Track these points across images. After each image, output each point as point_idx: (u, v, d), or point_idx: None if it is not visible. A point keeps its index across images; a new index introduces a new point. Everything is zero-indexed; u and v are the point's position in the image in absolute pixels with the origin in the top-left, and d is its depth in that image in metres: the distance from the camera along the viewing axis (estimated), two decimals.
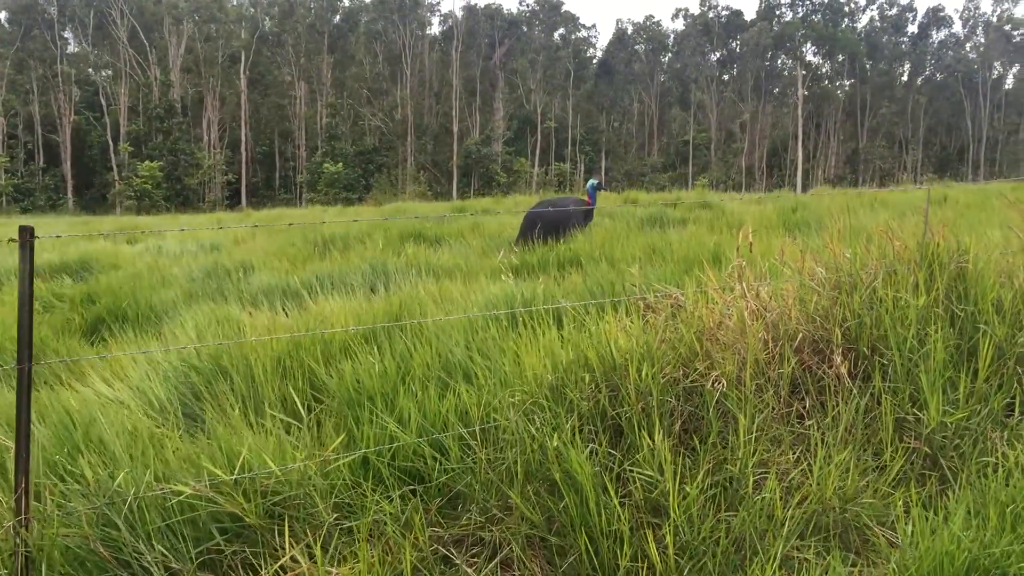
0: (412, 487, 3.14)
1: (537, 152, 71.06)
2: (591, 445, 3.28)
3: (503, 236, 10.70)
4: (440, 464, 3.17)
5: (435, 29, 77.99)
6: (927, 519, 2.94)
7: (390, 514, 2.93)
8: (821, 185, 75.06)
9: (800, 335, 4.20)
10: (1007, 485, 3.23)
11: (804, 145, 78.51)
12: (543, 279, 5.79)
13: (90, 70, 73.64)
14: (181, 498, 2.78)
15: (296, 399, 3.67)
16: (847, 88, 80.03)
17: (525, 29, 73.68)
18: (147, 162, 62.47)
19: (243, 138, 72.50)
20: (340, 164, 64.18)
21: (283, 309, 6.19)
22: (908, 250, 4.83)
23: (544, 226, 10.97)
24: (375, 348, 4.11)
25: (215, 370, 4.14)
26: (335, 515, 2.98)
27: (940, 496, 3.44)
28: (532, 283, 5.63)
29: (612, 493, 2.94)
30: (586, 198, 12.19)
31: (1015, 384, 4.06)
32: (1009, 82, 76.36)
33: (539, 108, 70.91)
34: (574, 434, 3.23)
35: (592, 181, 12.32)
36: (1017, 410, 4.00)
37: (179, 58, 74.77)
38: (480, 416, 3.42)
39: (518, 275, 7.03)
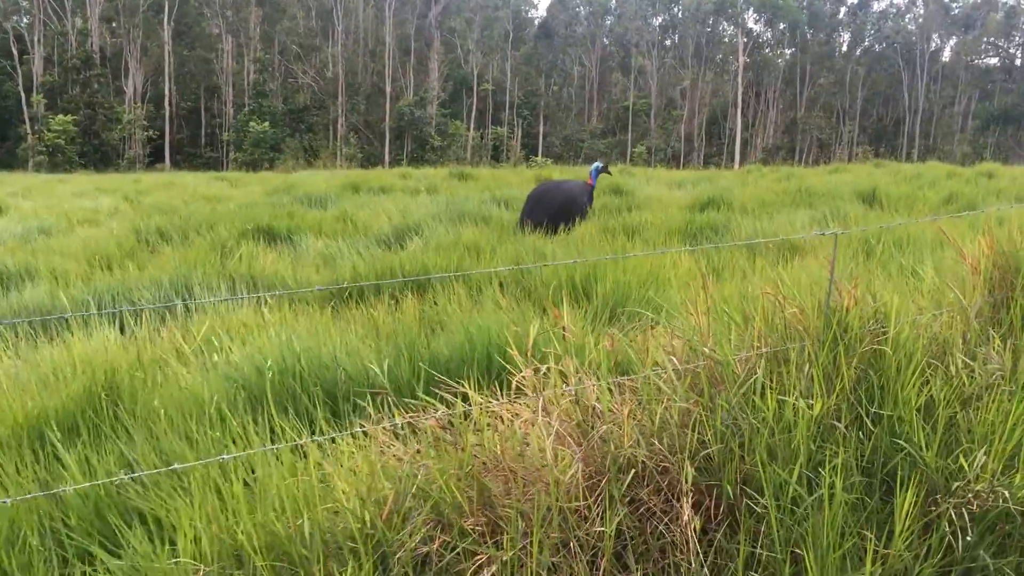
0: None
1: (473, 115, 69.09)
2: None
3: (370, 231, 9.19)
4: None
5: None
6: None
7: None
8: (759, 156, 74.68)
9: (639, 463, 2.84)
10: None
11: (744, 114, 77.90)
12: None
13: None
14: None
15: None
16: (787, 57, 79.40)
17: None
18: (60, 116, 59.03)
19: (167, 93, 69.08)
20: (267, 123, 61.42)
21: None
22: (806, 317, 3.49)
23: (550, 213, 10.28)
24: None
25: None
26: None
27: None
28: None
29: None
30: (588, 179, 11.59)
31: (954, 546, 2.77)
32: (946, 55, 76.46)
33: (476, 70, 68.84)
34: None
35: (597, 164, 11.76)
36: None
37: (98, 5, 70.74)
38: None
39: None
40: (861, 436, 3.16)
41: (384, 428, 2.60)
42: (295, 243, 8.63)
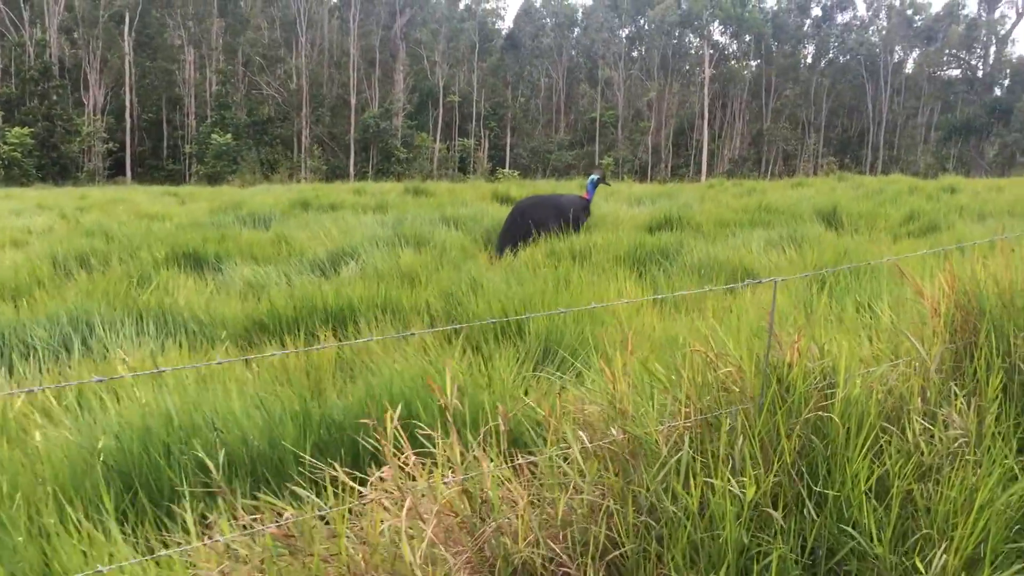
0: None
1: (439, 127, 68.62)
2: None
3: (306, 255, 8.66)
4: None
5: None
6: None
7: None
8: (726, 167, 74.85)
9: (536, 566, 2.36)
10: None
11: (710, 125, 78.09)
12: None
13: None
14: None
15: None
16: (753, 69, 79.80)
17: None
18: (17, 128, 57.77)
19: (128, 104, 67.90)
20: (229, 135, 60.48)
21: None
22: (742, 376, 3.05)
23: (530, 226, 10.12)
24: None
25: None
26: None
27: None
28: None
29: None
30: (584, 193, 11.42)
31: None
32: (909, 67, 77.19)
33: (442, 81, 68.40)
34: None
35: (593, 176, 11.61)
36: None
37: (57, 16, 69.47)
38: None
39: None
40: (804, 520, 2.72)
41: (208, 543, 2.10)
42: (223, 269, 8.09)
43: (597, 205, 13.03)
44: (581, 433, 2.59)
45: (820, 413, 2.88)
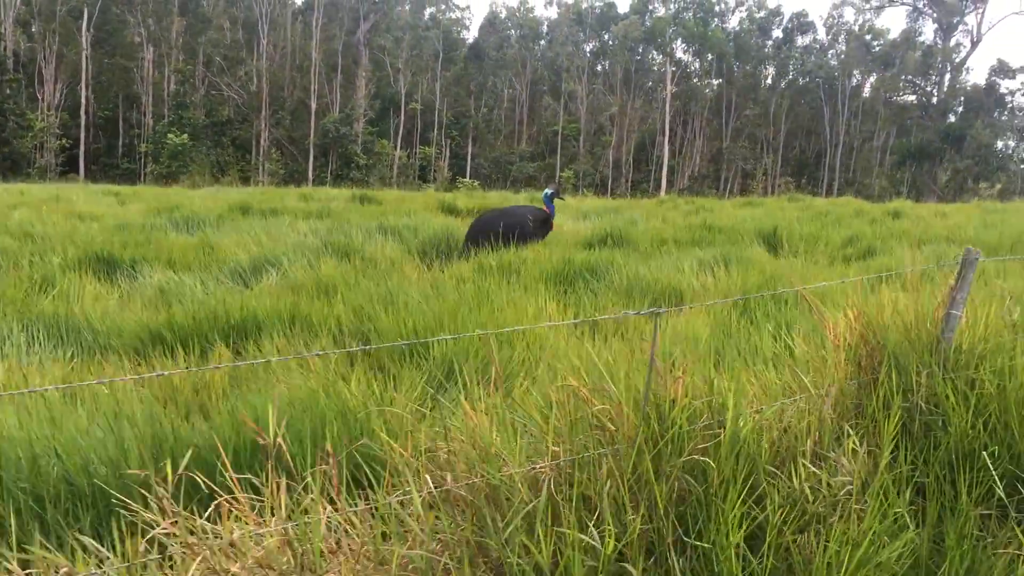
0: None
1: (400, 134, 68.24)
2: None
3: (228, 262, 8.35)
4: None
5: None
6: None
7: None
8: (686, 184, 75.36)
9: None
10: None
11: (671, 141, 78.60)
12: None
13: None
14: None
15: None
16: (714, 88, 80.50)
17: (391, 4, 70.45)
18: None
19: (84, 101, 66.60)
20: (185, 135, 59.51)
21: None
22: (622, 416, 2.85)
23: (493, 233, 10.44)
24: None
25: None
26: None
27: None
28: None
29: None
30: (543, 207, 11.67)
31: None
32: (867, 91, 78.27)
33: (404, 88, 68.06)
34: None
35: (547, 190, 11.88)
36: None
37: (14, 9, 68.02)
38: None
39: None
40: (673, 574, 2.52)
41: None
42: (136, 275, 7.75)
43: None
44: (428, 476, 2.36)
45: (696, 457, 2.69)
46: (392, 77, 70.15)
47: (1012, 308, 4.59)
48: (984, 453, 3.30)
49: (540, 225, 11.39)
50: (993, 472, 3.21)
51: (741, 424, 2.95)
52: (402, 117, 67.98)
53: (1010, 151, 72.81)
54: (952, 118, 71.12)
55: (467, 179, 67.15)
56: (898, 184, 73.32)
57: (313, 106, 63.14)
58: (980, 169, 66.80)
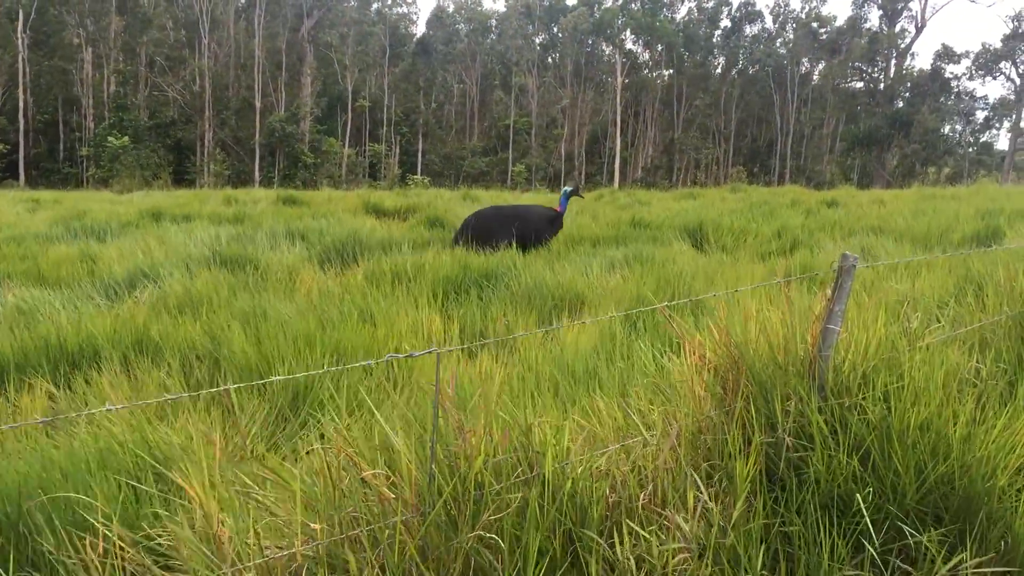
0: None
1: (348, 132, 67.25)
2: None
3: (106, 275, 7.70)
4: None
5: None
6: None
7: None
8: (639, 175, 75.27)
9: None
10: None
11: (623, 133, 78.47)
12: None
13: None
14: None
15: None
16: (665, 78, 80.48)
17: (336, 0, 69.31)
18: None
19: (22, 104, 64.69)
20: (126, 137, 57.99)
21: None
22: (400, 479, 2.33)
23: (490, 233, 10.17)
24: None
25: None
26: None
27: None
28: None
29: None
30: (557, 206, 11.03)
31: None
32: (815, 78, 78.68)
33: (351, 85, 67.04)
34: None
35: (566, 187, 11.18)
36: None
37: None
38: None
39: None
40: None
41: None
42: None
43: (457, 218, 12.34)
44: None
45: (484, 533, 2.18)
46: (339, 74, 69.04)
47: (910, 315, 4.16)
48: (861, 495, 2.84)
49: (547, 224, 10.74)
50: (867, 518, 2.76)
51: (565, 475, 2.46)
52: (350, 114, 67.00)
53: (957, 135, 73.71)
54: (900, 104, 71.76)
55: (418, 176, 66.35)
56: (848, 170, 73.90)
57: (258, 105, 61.94)
58: (927, 154, 67.52)
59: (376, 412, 2.37)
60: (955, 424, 3.22)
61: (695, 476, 2.66)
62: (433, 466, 2.26)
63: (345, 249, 9.49)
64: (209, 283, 6.73)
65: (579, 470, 2.54)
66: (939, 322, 4.35)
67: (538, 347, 4.77)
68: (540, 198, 21.74)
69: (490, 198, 19.90)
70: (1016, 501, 3.03)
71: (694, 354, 3.23)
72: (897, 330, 4.16)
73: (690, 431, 2.95)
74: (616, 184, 72.55)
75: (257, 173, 61.37)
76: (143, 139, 60.77)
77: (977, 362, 3.90)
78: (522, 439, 2.52)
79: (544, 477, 2.42)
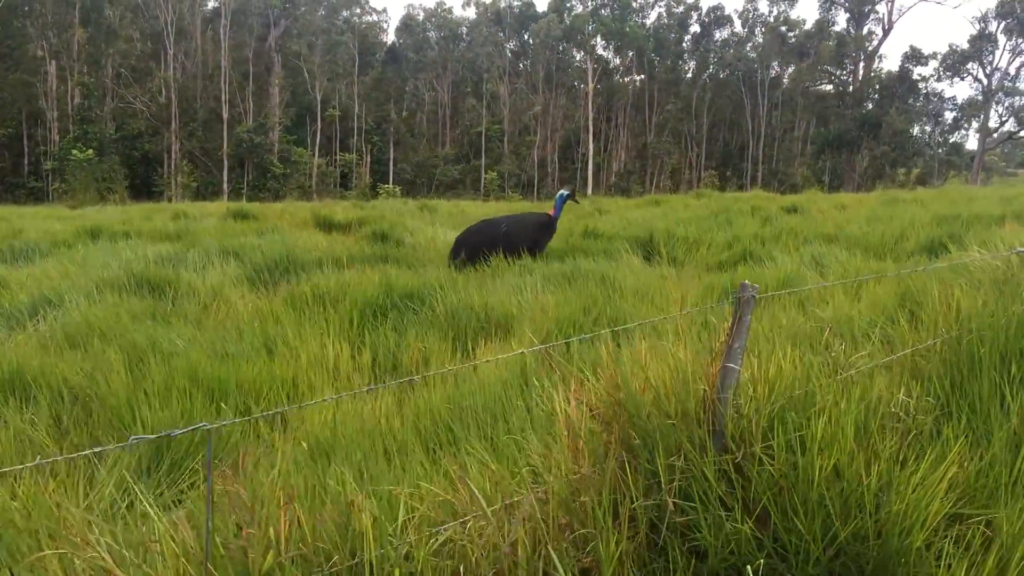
0: None
1: (318, 142, 66.63)
2: None
3: (6, 303, 7.23)
4: None
5: (209, 4, 71.48)
6: None
7: None
8: (612, 181, 75.13)
9: None
10: None
11: (596, 139, 78.33)
12: None
13: None
14: None
15: None
16: (637, 83, 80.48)
17: (303, 9, 68.68)
18: None
19: None
20: (91, 150, 57.03)
21: None
22: None
23: (477, 244, 10.13)
24: None
25: None
26: None
27: None
28: None
29: None
30: (551, 211, 10.89)
31: None
32: (785, 81, 78.86)
33: (319, 94, 66.44)
34: None
35: (562, 191, 11.11)
36: None
37: None
38: None
39: None
40: None
41: None
42: None
43: (407, 231, 11.93)
44: None
45: None
46: (308, 83, 68.39)
47: (832, 343, 3.80)
48: (752, 566, 2.47)
49: (542, 231, 10.66)
50: None
51: (391, 561, 2.07)
52: (319, 124, 66.38)
53: (926, 136, 74.05)
54: (869, 106, 72.05)
55: (389, 185, 65.80)
56: (820, 173, 74.06)
57: (225, 116, 61.20)
58: (897, 155, 67.81)
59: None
60: (873, 470, 2.86)
61: (555, 557, 2.27)
62: (209, 566, 1.86)
63: (278, 268, 9.06)
64: (110, 311, 6.29)
65: (420, 552, 2.15)
66: (869, 347, 4.00)
67: (439, 385, 4.38)
68: (504, 208, 21.36)
69: (448, 209, 19.47)
70: (936, 565, 2.67)
71: (583, 401, 2.86)
72: (819, 360, 3.80)
73: (563, 494, 2.57)
74: (589, 190, 72.29)
75: (226, 185, 60.61)
76: (108, 152, 59.82)
77: (904, 394, 3.55)
78: (342, 519, 2.13)
79: (369, 563, 2.04)
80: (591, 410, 2.84)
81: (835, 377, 3.51)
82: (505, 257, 9.62)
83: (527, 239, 10.31)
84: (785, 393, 3.04)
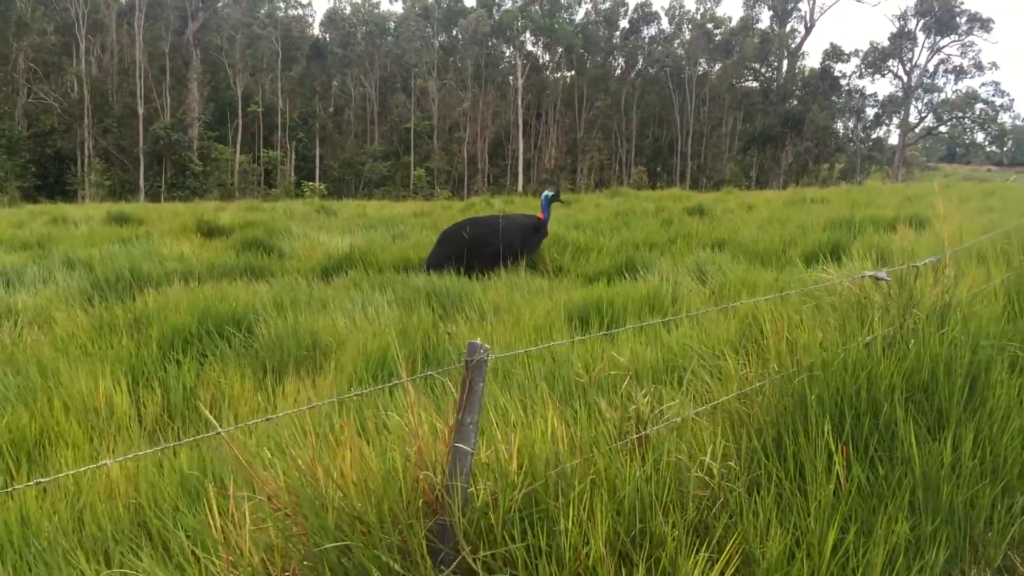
0: None
1: (240, 138, 64.86)
2: None
3: None
4: None
5: None
6: None
7: None
8: (543, 177, 74.79)
9: None
10: None
11: (526, 135, 77.92)
12: None
13: None
14: None
15: None
16: (567, 80, 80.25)
17: (221, 3, 66.79)
18: None
19: None
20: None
21: None
22: None
23: (472, 251, 9.66)
24: None
25: None
26: None
27: None
28: None
29: None
30: (539, 214, 10.48)
31: None
32: (712, 78, 79.40)
33: (241, 90, 64.66)
34: None
35: (547, 192, 10.79)
36: None
37: None
38: None
39: None
40: None
41: None
42: None
43: (288, 239, 11.18)
44: None
45: None
46: (230, 79, 66.47)
47: (634, 392, 3.23)
48: None
49: (531, 234, 10.18)
50: None
51: None
52: (240, 120, 64.58)
53: (849, 132, 75.26)
54: (793, 102, 72.94)
55: (315, 183, 64.39)
56: (747, 168, 74.81)
57: (141, 112, 59.12)
58: (820, 151, 68.82)
59: None
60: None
61: None
62: None
63: (120, 283, 8.25)
64: None
65: None
66: (679, 396, 3.45)
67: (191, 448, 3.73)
68: (427, 208, 20.62)
69: (353, 211, 18.63)
70: None
71: (259, 499, 2.24)
72: (619, 415, 3.26)
73: None
74: (520, 187, 71.84)
75: (142, 183, 58.60)
76: (18, 150, 57.31)
77: (710, 455, 3.00)
78: None
79: None
80: (279, 518, 2.22)
81: (624, 440, 2.96)
82: (498, 262, 9.39)
83: (521, 241, 9.93)
84: (540, 474, 2.47)
